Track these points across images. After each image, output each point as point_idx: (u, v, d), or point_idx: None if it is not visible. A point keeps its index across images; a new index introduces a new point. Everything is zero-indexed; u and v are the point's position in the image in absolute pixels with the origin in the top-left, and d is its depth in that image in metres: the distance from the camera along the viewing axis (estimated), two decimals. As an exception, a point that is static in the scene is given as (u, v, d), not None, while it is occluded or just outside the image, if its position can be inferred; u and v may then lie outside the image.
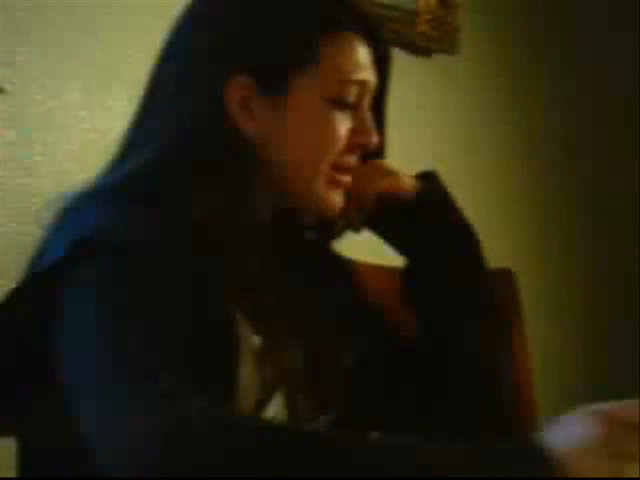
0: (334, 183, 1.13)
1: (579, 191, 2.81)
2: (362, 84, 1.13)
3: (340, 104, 1.11)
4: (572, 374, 2.77)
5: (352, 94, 1.12)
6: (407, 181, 1.22)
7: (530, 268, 2.42)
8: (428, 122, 2.35)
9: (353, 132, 1.13)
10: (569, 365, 2.77)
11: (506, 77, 2.62)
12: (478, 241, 1.23)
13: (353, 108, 1.13)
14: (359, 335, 1.21)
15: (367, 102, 1.14)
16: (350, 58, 1.12)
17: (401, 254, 1.25)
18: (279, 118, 1.10)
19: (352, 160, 1.14)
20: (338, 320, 1.19)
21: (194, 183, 1.05)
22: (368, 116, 1.14)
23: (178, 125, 1.08)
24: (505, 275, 1.42)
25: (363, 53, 1.13)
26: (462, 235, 1.23)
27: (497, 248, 1.24)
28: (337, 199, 1.14)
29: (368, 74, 1.13)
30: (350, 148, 1.13)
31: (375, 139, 1.14)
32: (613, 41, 2.81)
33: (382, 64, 1.17)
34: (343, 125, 1.11)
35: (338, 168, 1.13)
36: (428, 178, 1.24)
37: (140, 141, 1.10)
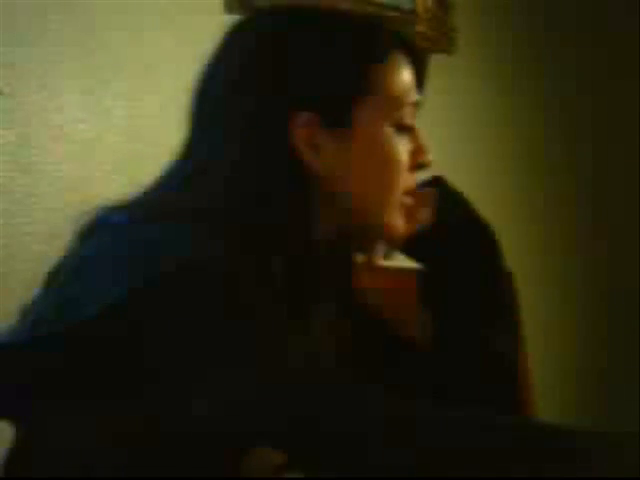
0: (401, 208, 1.13)
1: (579, 191, 2.81)
2: (415, 105, 1.14)
3: (399, 128, 1.12)
4: (572, 374, 2.77)
5: (408, 116, 1.13)
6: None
7: (530, 268, 2.42)
8: (427, 122, 2.34)
9: (411, 153, 1.13)
10: (569, 365, 2.77)
11: (506, 77, 2.63)
12: (495, 241, 1.24)
13: (409, 130, 1.13)
14: (359, 338, 1.21)
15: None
16: (402, 81, 1.12)
17: (417, 261, 1.24)
18: (344, 151, 1.09)
19: (414, 180, 1.15)
20: (338, 326, 1.19)
21: (259, 215, 1.04)
22: (421, 135, 1.15)
23: (242, 159, 1.07)
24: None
25: (410, 73, 1.14)
26: (480, 236, 1.23)
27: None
28: (401, 223, 1.14)
29: (416, 93, 1.15)
30: (411, 170, 1.14)
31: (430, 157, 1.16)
32: (613, 41, 2.81)
33: (418, 78, 1.17)
34: (404, 149, 1.12)
35: (405, 192, 1.13)
36: (437, 184, 1.25)
37: (199, 169, 1.08)
